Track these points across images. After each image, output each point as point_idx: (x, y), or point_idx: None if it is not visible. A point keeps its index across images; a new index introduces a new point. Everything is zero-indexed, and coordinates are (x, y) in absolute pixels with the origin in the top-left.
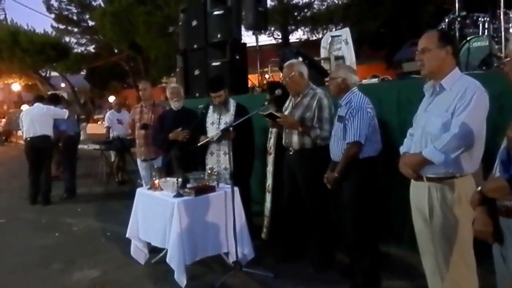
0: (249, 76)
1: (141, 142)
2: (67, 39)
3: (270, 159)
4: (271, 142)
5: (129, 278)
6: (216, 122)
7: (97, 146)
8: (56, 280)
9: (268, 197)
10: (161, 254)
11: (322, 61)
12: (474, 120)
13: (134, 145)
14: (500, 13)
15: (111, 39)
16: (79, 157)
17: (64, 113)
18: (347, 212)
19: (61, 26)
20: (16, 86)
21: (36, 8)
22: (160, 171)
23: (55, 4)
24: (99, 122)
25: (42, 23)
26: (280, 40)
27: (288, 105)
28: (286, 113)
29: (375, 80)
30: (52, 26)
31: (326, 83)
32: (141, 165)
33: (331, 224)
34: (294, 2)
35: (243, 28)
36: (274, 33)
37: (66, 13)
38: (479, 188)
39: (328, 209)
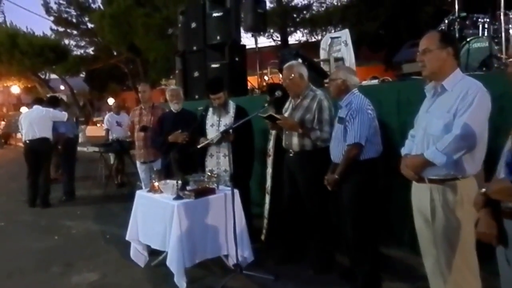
0: (249, 78)
1: (140, 144)
2: (66, 41)
3: (270, 161)
4: (271, 144)
5: (129, 281)
6: (215, 124)
7: (96, 149)
8: (55, 284)
9: (267, 199)
10: (161, 257)
11: (321, 62)
12: (476, 121)
13: (133, 147)
14: (500, 14)
15: (110, 41)
16: (78, 159)
17: (63, 115)
18: (347, 213)
19: (60, 29)
20: (16, 89)
21: (35, 10)
22: (159, 174)
23: (54, 6)
24: (98, 125)
25: (41, 25)
26: (279, 42)
27: (288, 106)
28: (286, 114)
29: (375, 81)
30: (51, 29)
31: (326, 85)
32: (140, 167)
33: (331, 226)
34: (293, 4)
35: (242, 30)
36: (273, 35)
37: (65, 15)
38: (483, 189)
39: (328, 211)
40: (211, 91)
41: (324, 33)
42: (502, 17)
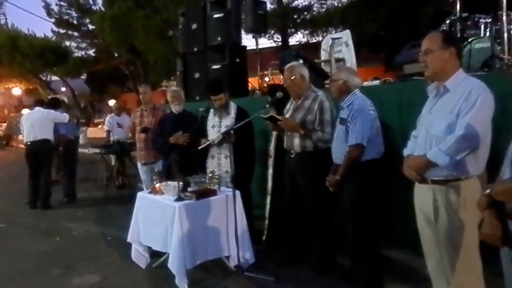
0: (249, 79)
1: (141, 146)
2: (67, 43)
3: (271, 162)
4: (272, 145)
5: (130, 283)
6: (216, 125)
7: (97, 150)
8: (55, 286)
9: (268, 200)
10: (162, 259)
11: (322, 63)
12: (479, 121)
13: (134, 149)
14: (502, 14)
15: (111, 43)
16: (78, 160)
17: (64, 117)
18: (348, 214)
19: (61, 31)
20: (17, 91)
21: (37, 12)
22: (160, 175)
23: (55, 8)
24: (99, 126)
25: (43, 27)
26: (279, 43)
27: (289, 107)
28: (287, 115)
29: (376, 82)
30: (52, 31)
31: (326, 86)
32: (141, 169)
33: (332, 227)
34: (293, 5)
35: (242, 31)
36: (274, 36)
37: (66, 17)
38: (488, 190)
39: (329, 212)
40: (212, 92)
41: (324, 34)
42: (504, 17)
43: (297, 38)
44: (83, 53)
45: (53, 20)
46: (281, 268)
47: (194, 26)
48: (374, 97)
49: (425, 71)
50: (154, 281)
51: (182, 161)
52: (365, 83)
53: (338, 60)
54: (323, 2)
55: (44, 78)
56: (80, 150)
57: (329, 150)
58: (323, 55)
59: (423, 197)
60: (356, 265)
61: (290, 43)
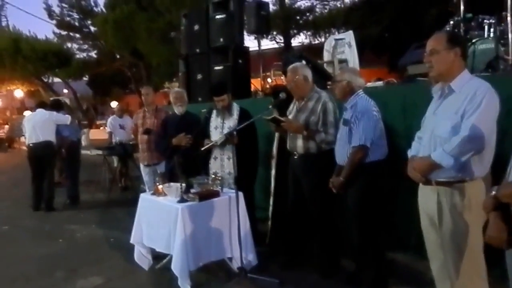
0: (252, 81)
1: (144, 147)
2: (69, 45)
3: (273, 163)
4: (275, 146)
5: (133, 285)
6: (219, 127)
7: (100, 152)
8: None
9: (272, 201)
10: (165, 260)
11: (325, 64)
12: (484, 122)
13: (136, 151)
14: (506, 15)
15: (113, 45)
16: (81, 162)
17: (66, 118)
18: (352, 217)
19: (63, 33)
20: (19, 93)
21: (38, 14)
22: (163, 176)
23: (57, 10)
24: (101, 128)
25: (44, 29)
26: (282, 45)
27: (293, 109)
28: (290, 117)
29: (380, 83)
30: (54, 33)
31: (328, 87)
32: (144, 170)
33: (336, 229)
34: (296, 6)
35: (245, 33)
36: (276, 38)
37: (68, 19)
38: (493, 192)
39: (333, 214)
40: (215, 93)
41: (327, 35)
42: (508, 18)
43: (299, 40)
44: (85, 55)
45: (54, 22)
46: (285, 271)
47: (196, 27)
48: (377, 98)
49: (430, 71)
50: (157, 283)
51: (185, 162)
52: (369, 84)
53: (341, 61)
54: (325, 3)
55: (46, 80)
56: (82, 152)
57: (332, 151)
58: (326, 56)
59: (428, 198)
60: (360, 268)
61: (293, 45)
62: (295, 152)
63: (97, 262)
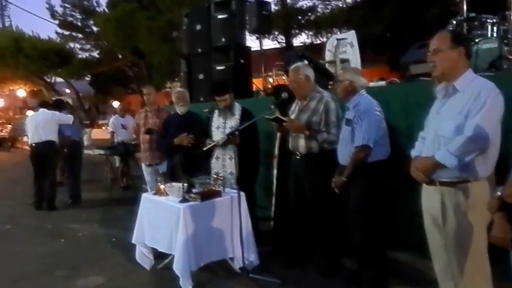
0: (253, 80)
1: (145, 147)
2: (71, 44)
3: (275, 163)
4: (276, 146)
5: (134, 285)
6: (221, 127)
7: (102, 151)
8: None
9: (274, 201)
10: (167, 260)
11: (327, 64)
12: (489, 122)
13: (138, 150)
14: (510, 14)
15: (114, 45)
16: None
17: (69, 118)
18: (354, 216)
19: (65, 32)
20: (21, 92)
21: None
22: (165, 176)
23: (59, 10)
24: (103, 128)
25: (47, 29)
26: (284, 44)
27: (295, 108)
28: (292, 116)
29: (382, 83)
30: (57, 32)
31: (330, 87)
32: (146, 170)
33: (338, 229)
34: (297, 6)
35: (247, 32)
36: (278, 37)
37: (70, 19)
38: (499, 193)
39: (335, 214)
40: (217, 93)
41: (329, 35)
42: None
43: (301, 39)
44: (87, 54)
45: (57, 21)
46: (286, 270)
47: (198, 27)
48: (380, 97)
49: (434, 71)
50: (158, 282)
51: (186, 162)
52: (371, 84)
53: (343, 61)
54: (327, 3)
55: (48, 80)
56: (84, 151)
57: (334, 151)
58: (328, 56)
59: (431, 199)
60: (362, 267)
61: (294, 44)
62: (297, 152)
63: (98, 261)
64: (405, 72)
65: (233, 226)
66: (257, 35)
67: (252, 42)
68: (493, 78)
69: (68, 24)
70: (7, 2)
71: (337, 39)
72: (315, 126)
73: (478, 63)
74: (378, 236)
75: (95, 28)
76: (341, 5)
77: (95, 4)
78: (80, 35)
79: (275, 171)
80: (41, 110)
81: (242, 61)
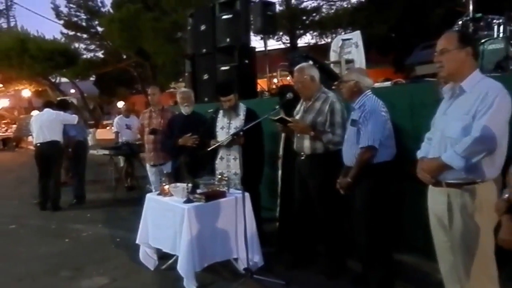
0: (258, 81)
1: (150, 147)
2: (76, 45)
3: (280, 163)
4: (281, 147)
5: (138, 286)
6: (226, 127)
7: (106, 151)
8: None
9: (279, 202)
10: (171, 261)
11: (332, 64)
12: (496, 123)
13: (142, 151)
14: None
15: (119, 45)
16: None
17: (73, 118)
18: (360, 218)
19: (70, 32)
20: (26, 92)
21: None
22: (169, 176)
23: (64, 10)
24: (107, 128)
25: (52, 29)
26: (288, 45)
27: (300, 109)
28: (297, 117)
29: (387, 83)
30: (62, 32)
31: (334, 87)
32: (150, 170)
33: (343, 230)
34: (302, 6)
35: (251, 33)
36: (282, 38)
37: (75, 19)
38: (506, 195)
39: (340, 215)
40: (222, 93)
41: (333, 35)
42: None
43: (305, 40)
44: (92, 55)
45: (62, 22)
46: (291, 271)
47: (202, 27)
48: (385, 98)
49: (441, 71)
50: (162, 283)
51: (191, 162)
52: (376, 84)
53: (348, 61)
54: (332, 3)
55: (53, 80)
56: (89, 151)
57: (339, 152)
58: (333, 56)
59: (437, 200)
60: (368, 269)
61: (299, 45)
62: (302, 153)
63: (102, 262)
64: (410, 73)
65: (237, 226)
66: (261, 36)
67: (256, 42)
68: (500, 78)
69: (73, 24)
70: (12, 2)
71: (342, 40)
72: (320, 127)
73: (484, 64)
74: (383, 238)
75: (100, 29)
76: (345, 6)
77: (100, 4)
78: (85, 36)
79: (279, 172)
80: (46, 110)
81: (246, 61)
